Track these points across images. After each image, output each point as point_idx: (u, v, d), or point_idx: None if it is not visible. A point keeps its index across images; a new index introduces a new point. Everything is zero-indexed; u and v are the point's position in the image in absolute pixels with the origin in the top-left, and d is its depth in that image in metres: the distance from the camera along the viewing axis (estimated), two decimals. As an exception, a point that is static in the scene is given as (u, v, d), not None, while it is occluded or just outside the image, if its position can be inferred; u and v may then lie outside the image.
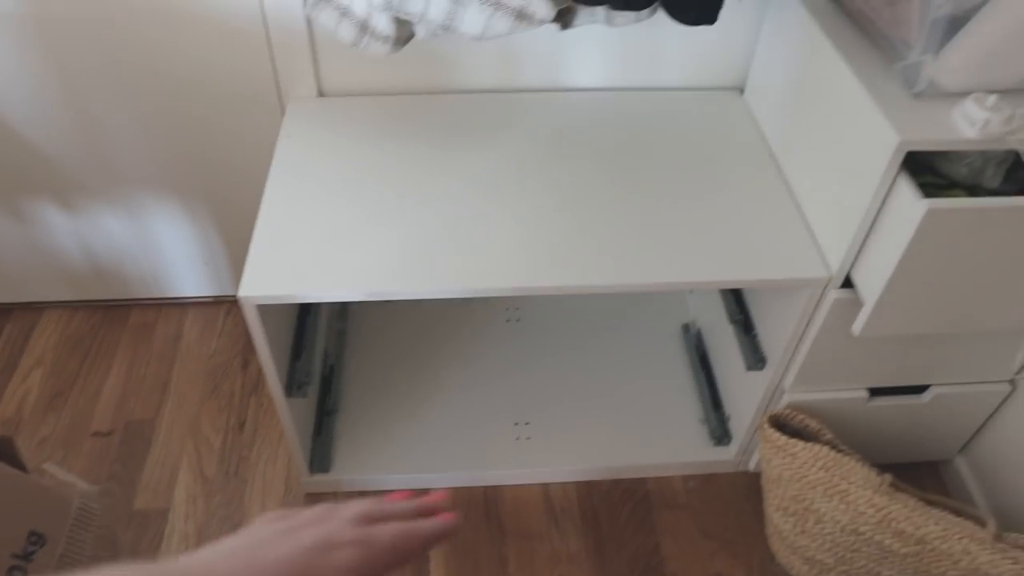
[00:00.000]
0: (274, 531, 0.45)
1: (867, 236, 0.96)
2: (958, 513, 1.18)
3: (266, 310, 1.04)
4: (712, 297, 1.40)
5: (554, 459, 1.35)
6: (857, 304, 1.01)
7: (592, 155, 1.19)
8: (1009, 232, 0.87)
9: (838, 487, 1.13)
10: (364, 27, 1.10)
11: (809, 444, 1.14)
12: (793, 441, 1.14)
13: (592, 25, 1.22)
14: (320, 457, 1.32)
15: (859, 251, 0.98)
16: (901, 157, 0.88)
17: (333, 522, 0.46)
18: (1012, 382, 1.21)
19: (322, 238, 1.04)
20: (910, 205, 0.87)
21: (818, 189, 1.06)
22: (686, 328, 1.53)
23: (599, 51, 1.26)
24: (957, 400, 1.23)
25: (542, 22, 1.07)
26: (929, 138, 0.86)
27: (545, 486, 1.36)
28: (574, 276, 1.01)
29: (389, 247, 1.03)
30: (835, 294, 1.03)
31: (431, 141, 1.20)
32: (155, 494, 1.33)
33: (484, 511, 1.32)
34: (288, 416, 1.16)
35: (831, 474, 1.13)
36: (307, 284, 0.99)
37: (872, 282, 0.96)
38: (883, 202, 0.92)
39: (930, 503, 1.22)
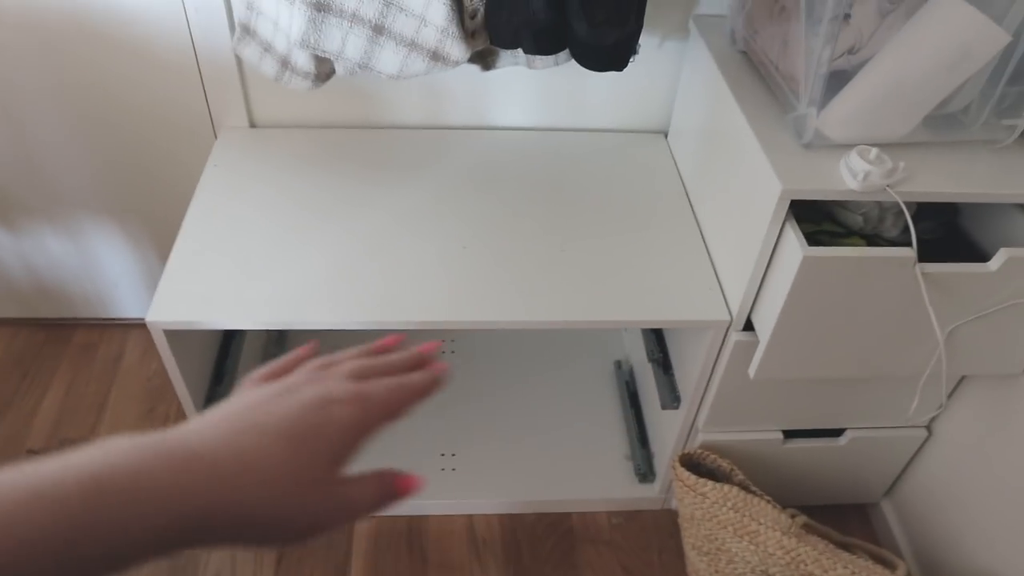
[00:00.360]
0: (270, 392, 0.43)
1: (762, 281, 0.98)
2: (874, 557, 1.19)
3: (183, 335, 1.06)
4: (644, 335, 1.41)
5: (479, 491, 1.36)
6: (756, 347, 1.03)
7: (515, 192, 1.21)
8: (888, 281, 0.89)
9: (748, 528, 1.13)
10: (285, 63, 1.13)
11: (719, 484, 1.14)
12: (703, 481, 1.15)
13: (514, 67, 1.25)
14: (244, 483, 1.32)
15: (756, 296, 1.00)
16: (786, 205, 0.89)
17: (329, 379, 0.45)
18: (928, 427, 1.22)
19: (237, 266, 1.06)
20: (791, 252, 0.88)
21: (722, 234, 1.08)
22: (618, 364, 1.54)
23: (525, 91, 1.29)
24: (874, 444, 1.23)
25: (457, 63, 1.10)
26: (811, 187, 0.88)
27: (469, 517, 1.36)
28: (486, 311, 1.02)
29: (304, 277, 1.05)
30: (736, 336, 1.04)
31: (356, 174, 1.22)
32: (80, 515, 1.34)
33: (407, 540, 1.33)
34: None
35: (741, 514, 1.13)
36: (214, 311, 1.00)
37: (763, 328, 0.97)
38: (773, 249, 0.94)
39: (846, 547, 1.22)
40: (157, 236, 1.47)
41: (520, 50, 1.15)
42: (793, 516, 1.17)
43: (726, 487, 1.14)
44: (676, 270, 1.09)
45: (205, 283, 1.04)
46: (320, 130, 1.30)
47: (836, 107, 0.89)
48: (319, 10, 1.05)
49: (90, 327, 1.63)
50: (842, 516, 1.39)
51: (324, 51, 1.09)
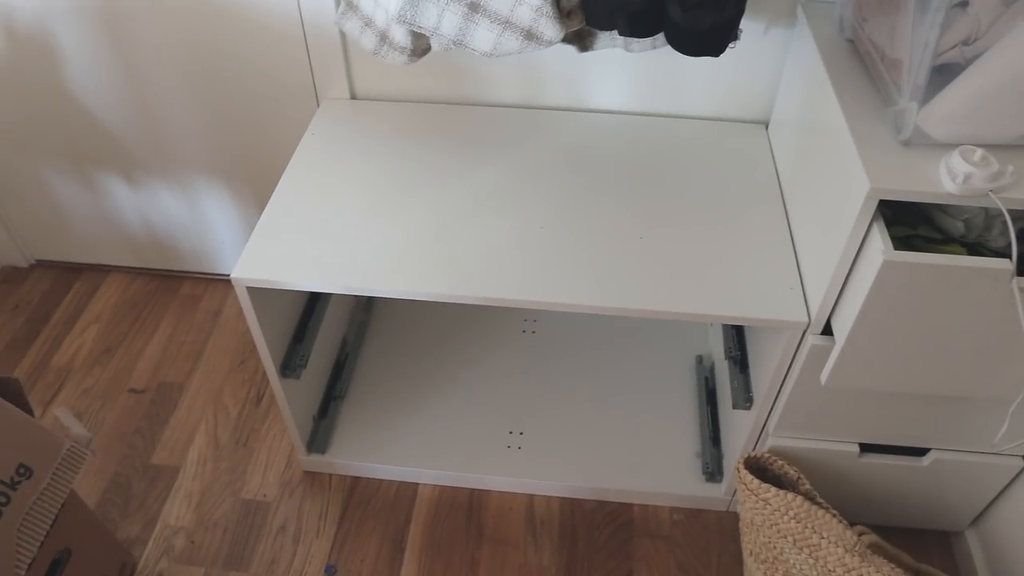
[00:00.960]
0: None
1: (844, 284, 0.93)
2: (947, 588, 1.12)
3: (266, 293, 1.11)
4: (724, 331, 1.38)
5: (543, 471, 1.37)
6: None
7: (603, 175, 1.20)
8: (980, 294, 0.83)
9: (809, 540, 1.09)
10: (384, 37, 1.16)
11: (782, 491, 1.10)
12: (766, 486, 1.11)
13: (613, 49, 1.24)
14: (319, 438, 1.39)
15: (837, 299, 0.95)
16: (874, 204, 0.84)
17: None
18: (1024, 457, 1.13)
19: (323, 231, 1.10)
20: (873, 254, 0.83)
21: (810, 231, 1.03)
22: (699, 359, 1.51)
23: (622, 74, 1.27)
24: (962, 469, 1.15)
25: (550, 43, 1.10)
26: (903, 188, 0.83)
27: (530, 497, 1.37)
28: (557, 292, 1.02)
29: (386, 246, 1.08)
30: (813, 340, 0.99)
31: (448, 149, 1.24)
32: (171, 452, 1.44)
33: (467, 512, 1.35)
34: (281, 393, 1.23)
35: (803, 525, 1.09)
36: (295, 272, 1.05)
37: (841, 331, 0.92)
38: (858, 251, 0.89)
39: (919, 572, 1.16)
40: (261, 198, 1.54)
41: (616, 32, 1.14)
42: (860, 534, 1.11)
43: (789, 495, 1.10)
44: (758, 265, 1.06)
45: (291, 245, 1.08)
46: (417, 104, 1.33)
47: (941, 102, 0.83)
48: (417, -14, 1.07)
49: (196, 280, 1.74)
50: (921, 542, 1.31)
51: (420, 27, 1.11)
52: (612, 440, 1.40)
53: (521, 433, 1.41)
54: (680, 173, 1.20)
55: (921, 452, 1.16)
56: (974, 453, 1.13)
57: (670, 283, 1.03)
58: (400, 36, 1.15)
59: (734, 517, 1.34)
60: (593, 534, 1.33)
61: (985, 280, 0.81)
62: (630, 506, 1.36)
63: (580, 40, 1.20)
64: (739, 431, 1.25)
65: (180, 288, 1.73)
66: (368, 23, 1.17)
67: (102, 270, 1.76)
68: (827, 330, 0.99)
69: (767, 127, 1.29)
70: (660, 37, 1.13)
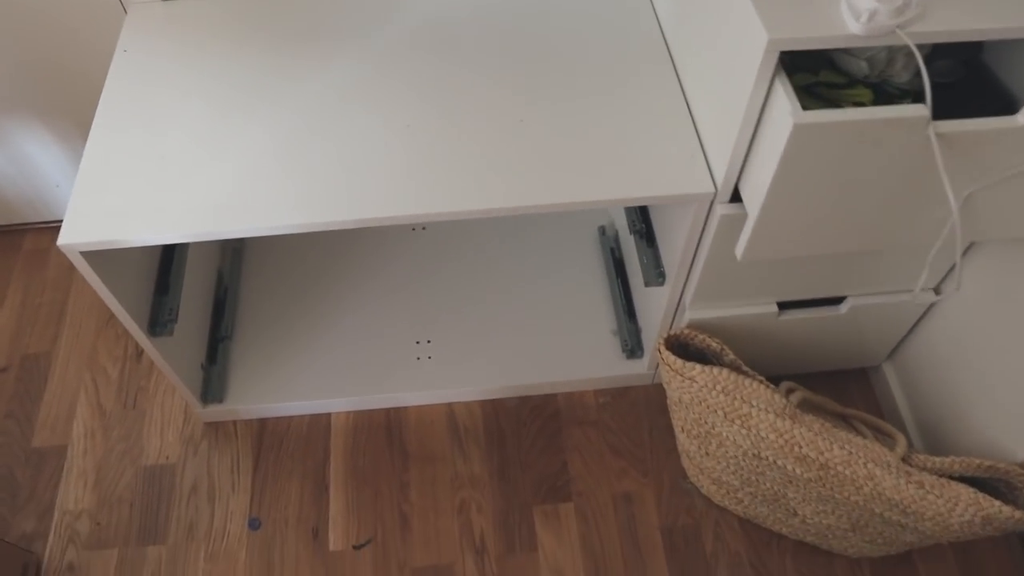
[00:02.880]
0: None
1: (750, 147, 0.84)
2: (873, 429, 1.13)
3: (108, 254, 0.96)
4: (627, 201, 1.29)
5: (458, 377, 1.30)
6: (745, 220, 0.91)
7: (471, 53, 1.05)
8: (896, 145, 0.75)
9: (739, 411, 1.06)
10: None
11: (708, 367, 1.06)
12: (690, 364, 1.07)
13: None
14: (214, 387, 1.27)
15: (743, 164, 0.87)
16: (774, 58, 0.74)
17: None
18: (936, 289, 1.12)
19: (158, 169, 0.93)
20: (780, 117, 0.74)
21: (705, 93, 0.93)
22: (602, 230, 1.43)
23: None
24: (878, 311, 1.14)
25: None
26: (803, 35, 0.72)
27: (449, 406, 1.31)
28: (436, 202, 0.90)
29: (235, 175, 0.92)
30: (722, 209, 0.92)
31: (287, 46, 1.06)
32: (52, 431, 1.30)
33: (386, 434, 1.28)
34: (156, 354, 1.09)
35: (731, 397, 1.06)
36: (134, 225, 0.89)
37: (752, 202, 0.85)
38: (762, 109, 0.80)
39: (844, 418, 1.16)
40: (85, 129, 1.33)
41: None
42: (789, 392, 1.10)
43: (715, 370, 1.06)
44: (654, 135, 0.96)
45: (122, 194, 0.92)
46: (241, -5, 1.13)
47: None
48: None
49: (38, 231, 1.53)
50: (842, 382, 1.33)
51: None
52: (524, 332, 1.34)
53: (429, 341, 1.33)
54: (551, 38, 1.06)
55: (838, 300, 1.13)
56: (890, 293, 1.11)
57: (559, 171, 0.92)
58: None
59: (660, 390, 1.32)
60: (520, 432, 1.29)
61: (902, 130, 0.73)
62: (554, 396, 1.32)
63: None
64: (654, 307, 1.20)
65: (22, 243, 1.52)
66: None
67: (-77, 236, 1.52)
68: (735, 197, 0.92)
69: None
70: None
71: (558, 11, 1.10)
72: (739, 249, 0.88)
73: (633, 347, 1.29)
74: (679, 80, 1.01)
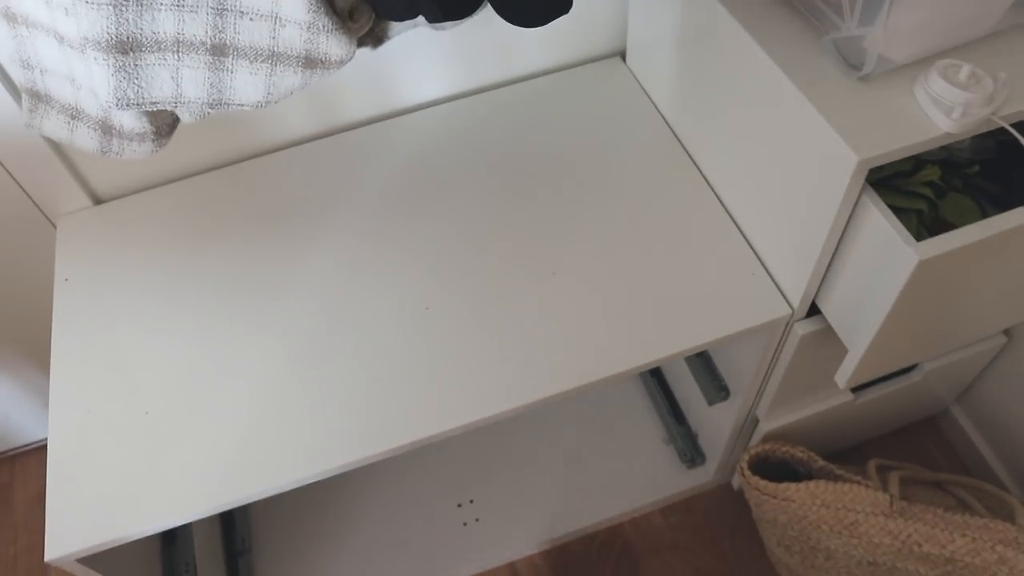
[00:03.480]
0: None
1: (832, 262, 0.74)
2: (974, 491, 1.04)
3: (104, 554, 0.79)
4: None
5: (512, 533, 1.15)
6: (829, 331, 0.80)
7: (468, 194, 0.92)
8: (1017, 245, 0.66)
9: (844, 520, 0.95)
10: (107, 128, 0.80)
11: (803, 484, 0.95)
12: (784, 485, 0.96)
13: (413, 30, 0.94)
14: (242, 615, 1.10)
15: (823, 278, 0.76)
16: (862, 177, 0.64)
17: None
18: (1007, 332, 1.04)
19: (141, 437, 0.77)
20: (891, 250, 0.64)
21: (760, 210, 0.81)
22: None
23: (433, 55, 0.97)
24: (951, 366, 1.05)
25: (342, 62, 0.78)
26: (895, 147, 0.62)
27: (511, 566, 1.16)
28: (487, 402, 0.76)
29: (234, 423, 0.77)
30: (802, 328, 0.81)
31: (258, 235, 0.91)
32: None
33: (449, 617, 1.13)
34: (178, 618, 0.92)
35: (833, 510, 0.95)
36: (131, 517, 0.73)
37: (853, 331, 0.74)
38: (847, 225, 0.69)
39: (941, 485, 1.06)
40: (31, 354, 1.15)
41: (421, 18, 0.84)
42: (884, 474, 0.99)
43: (812, 485, 0.95)
44: (704, 260, 0.84)
45: (107, 472, 0.75)
46: (186, 181, 0.97)
47: (910, 10, 0.61)
48: (125, 51, 0.71)
49: (-10, 466, 1.33)
50: (913, 436, 1.24)
51: (153, 102, 0.76)
52: (570, 463, 1.20)
53: (471, 501, 1.18)
54: (552, 157, 0.94)
55: (910, 368, 1.04)
56: (963, 348, 1.02)
57: (608, 333, 0.79)
58: (130, 120, 0.79)
59: (726, 490, 1.20)
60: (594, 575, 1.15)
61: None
62: (620, 527, 1.19)
63: (371, 36, 0.89)
64: (712, 417, 1.08)
65: (-27, 484, 1.32)
66: (76, 115, 0.80)
67: None
68: (811, 309, 0.81)
69: (623, 58, 1.04)
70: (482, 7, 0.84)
71: (548, 123, 0.98)
72: (841, 379, 0.77)
73: (693, 456, 1.18)
74: (706, 180, 0.90)
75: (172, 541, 0.94)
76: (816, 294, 0.78)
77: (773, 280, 0.81)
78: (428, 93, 1.01)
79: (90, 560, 0.75)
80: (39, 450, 1.34)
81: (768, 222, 0.80)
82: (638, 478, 1.18)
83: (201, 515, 0.73)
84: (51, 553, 0.72)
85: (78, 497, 0.74)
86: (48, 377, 1.19)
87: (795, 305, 0.79)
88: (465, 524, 1.16)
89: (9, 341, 1.11)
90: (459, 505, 1.18)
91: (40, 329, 1.11)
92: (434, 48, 0.96)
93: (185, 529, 0.97)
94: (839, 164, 0.64)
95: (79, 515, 0.73)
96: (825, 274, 0.75)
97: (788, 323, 0.81)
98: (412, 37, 0.95)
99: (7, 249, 0.98)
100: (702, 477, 1.18)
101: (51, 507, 0.74)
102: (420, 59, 0.97)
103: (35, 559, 1.24)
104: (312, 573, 1.13)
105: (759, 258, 0.83)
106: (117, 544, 0.73)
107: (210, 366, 0.81)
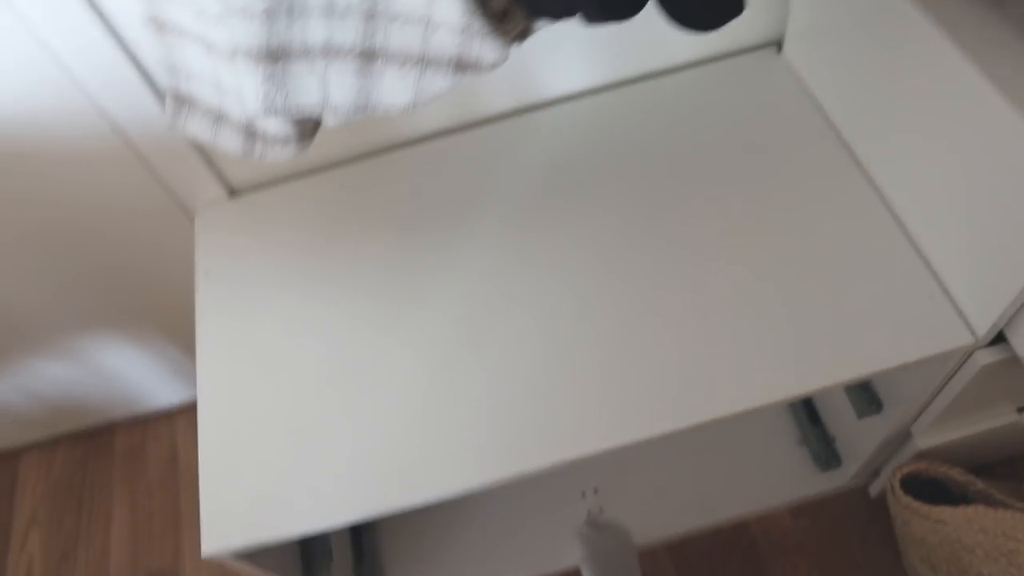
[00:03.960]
0: None
1: (1032, 294, 0.66)
2: None
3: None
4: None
5: (635, 526, 1.13)
6: (1014, 361, 0.73)
7: (611, 196, 0.87)
8: None
9: (1003, 548, 0.89)
10: (251, 132, 0.78)
11: (960, 509, 0.89)
12: (939, 508, 0.90)
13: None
14: (368, 590, 1.13)
15: (1020, 308, 0.69)
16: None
17: None
18: None
19: (291, 438, 0.78)
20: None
21: (940, 217, 0.74)
22: (757, 321, 1.25)
23: (573, 47, 0.91)
24: None
25: (495, 66, 0.73)
26: None
27: (632, 558, 1.15)
28: (636, 424, 0.74)
29: (385, 426, 0.76)
30: (984, 359, 0.74)
31: (391, 231, 0.89)
32: (202, 664, 1.18)
33: (569, 605, 1.14)
34: (315, 601, 0.95)
35: (991, 536, 0.89)
36: (287, 518, 0.74)
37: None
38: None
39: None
40: (163, 328, 1.18)
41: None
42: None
43: (969, 510, 0.89)
44: (873, 275, 0.77)
45: (259, 473, 0.76)
46: (319, 175, 0.96)
47: None
48: (274, 60, 0.69)
49: (128, 428, 1.39)
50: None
51: (300, 109, 0.73)
52: (698, 456, 1.17)
53: (596, 491, 1.17)
54: (705, 163, 0.88)
55: (1086, 386, 0.95)
56: None
57: (775, 353, 0.74)
58: (274, 125, 0.77)
59: (863, 495, 1.15)
60: (718, 573, 1.13)
61: None
62: (746, 525, 1.16)
63: (519, 34, 0.83)
64: (856, 425, 1.02)
65: (114, 443, 1.39)
66: (219, 117, 0.78)
67: (7, 456, 1.40)
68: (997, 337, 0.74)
69: (779, 49, 0.95)
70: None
71: (696, 119, 0.91)
72: (1031, 419, 0.70)
73: (828, 458, 1.12)
74: (888, 208, 0.81)
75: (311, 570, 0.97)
76: (1007, 323, 0.71)
77: (954, 304, 0.74)
78: (566, 86, 0.95)
79: (244, 553, 0.76)
80: (169, 415, 1.39)
81: (958, 239, 0.72)
82: (768, 477, 1.14)
83: (352, 522, 0.74)
84: (208, 549, 0.73)
85: (230, 497, 0.75)
86: (177, 348, 1.23)
87: (979, 334, 0.72)
88: (589, 513, 1.15)
89: (144, 319, 1.14)
90: (583, 495, 1.17)
91: (170, 306, 1.13)
92: (573, 39, 0.90)
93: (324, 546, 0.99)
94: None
95: (232, 515, 0.74)
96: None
97: (968, 352, 0.74)
98: (551, 27, 0.89)
99: (146, 238, 1.00)
100: (836, 480, 1.13)
101: (205, 506, 0.76)
102: (558, 51, 0.91)
103: (168, 516, 1.30)
104: (432, 554, 1.15)
105: (938, 279, 0.76)
106: (269, 544, 0.74)
107: (356, 370, 0.80)
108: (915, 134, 0.73)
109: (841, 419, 1.08)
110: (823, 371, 0.72)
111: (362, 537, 1.16)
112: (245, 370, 0.82)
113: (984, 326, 0.71)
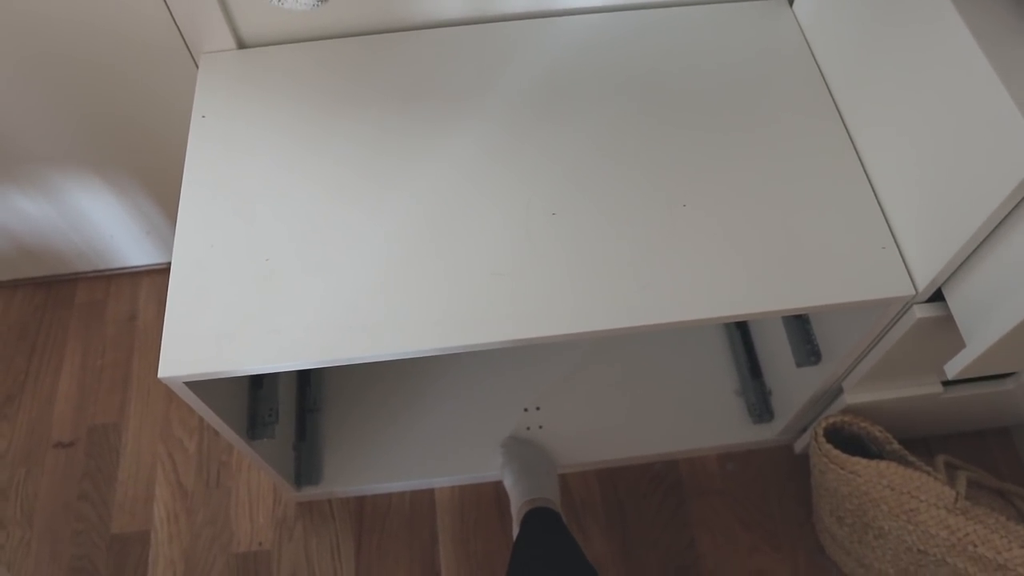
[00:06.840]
0: None
1: (975, 251, 0.72)
2: (1039, 505, 1.03)
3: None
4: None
5: (572, 446, 1.19)
6: (948, 320, 0.79)
7: (612, 113, 0.90)
8: None
9: (905, 506, 0.96)
10: (276, -22, 0.80)
11: (874, 462, 0.96)
12: (855, 459, 0.96)
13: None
14: (307, 468, 1.17)
15: (960, 266, 0.74)
16: (1041, 175, 0.61)
17: None
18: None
19: (261, 281, 0.81)
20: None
21: (904, 173, 0.79)
22: (719, 278, 1.31)
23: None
24: (1049, 379, 1.02)
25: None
26: (1089, 150, 0.59)
27: (563, 477, 1.21)
28: (595, 316, 0.77)
29: (353, 281, 0.80)
30: (921, 312, 0.80)
31: (392, 105, 0.92)
32: (132, 515, 1.20)
33: (497, 510, 1.19)
34: (256, 456, 0.98)
35: (897, 492, 0.96)
36: (245, 353, 0.77)
37: (978, 327, 0.72)
38: (1008, 215, 0.67)
39: (1004, 493, 1.06)
40: (148, 183, 1.19)
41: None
42: (952, 471, 0.99)
43: (882, 464, 0.96)
44: (833, 223, 0.82)
45: (225, 308, 0.79)
46: (330, 42, 0.98)
47: None
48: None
49: (91, 280, 1.40)
50: (981, 442, 1.22)
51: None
52: (639, 393, 1.23)
53: (538, 408, 1.22)
54: (698, 89, 0.92)
55: (1005, 375, 1.02)
56: (1069, 366, 0.99)
57: (732, 273, 0.79)
58: (300, -25, 0.79)
59: (786, 452, 1.22)
60: (641, 505, 1.19)
61: None
62: (675, 464, 1.22)
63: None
64: (792, 377, 1.08)
65: (74, 295, 1.40)
66: (246, -41, 0.80)
67: (-33, 291, 1.40)
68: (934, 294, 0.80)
69: (790, 1, 1.00)
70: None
71: (701, 56, 0.95)
72: (952, 370, 0.76)
73: (761, 411, 1.18)
74: (860, 160, 0.86)
75: (259, 386, 1.00)
76: (946, 281, 0.77)
77: (902, 256, 0.80)
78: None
79: (194, 385, 0.79)
80: (134, 275, 1.40)
81: (916, 196, 0.77)
82: (703, 422, 1.20)
83: (306, 366, 0.77)
84: (164, 371, 0.76)
85: (194, 327, 0.78)
86: (157, 208, 1.24)
87: (920, 287, 0.77)
88: (528, 428, 1.20)
89: (120, 162, 1.15)
90: (525, 410, 1.21)
91: (159, 160, 1.14)
92: (600, -47, 0.93)
93: (272, 378, 1.02)
94: (1020, 149, 0.61)
95: (193, 343, 0.77)
96: (963, 262, 0.73)
97: (907, 304, 0.80)
98: (581, -63, 0.92)
99: (148, 79, 1.01)
100: (766, 434, 1.19)
101: (168, 330, 0.78)
102: (583, -38, 0.94)
103: (119, 373, 1.32)
104: (372, 441, 1.19)
105: (891, 230, 0.81)
106: (224, 376, 0.77)
107: (334, 223, 0.83)
108: (897, 95, 0.78)
109: (779, 372, 1.14)
110: (772, 297, 0.77)
111: (306, 418, 1.19)
112: (225, 212, 0.85)
113: (924, 281, 0.77)
